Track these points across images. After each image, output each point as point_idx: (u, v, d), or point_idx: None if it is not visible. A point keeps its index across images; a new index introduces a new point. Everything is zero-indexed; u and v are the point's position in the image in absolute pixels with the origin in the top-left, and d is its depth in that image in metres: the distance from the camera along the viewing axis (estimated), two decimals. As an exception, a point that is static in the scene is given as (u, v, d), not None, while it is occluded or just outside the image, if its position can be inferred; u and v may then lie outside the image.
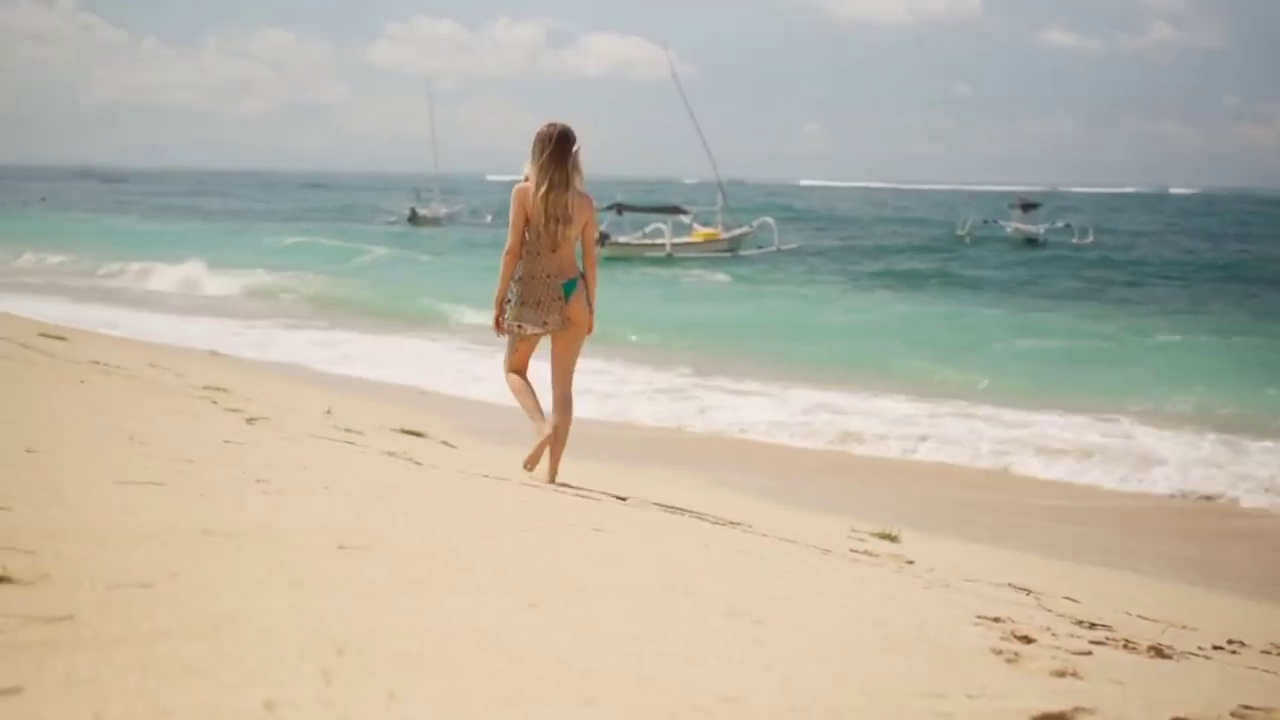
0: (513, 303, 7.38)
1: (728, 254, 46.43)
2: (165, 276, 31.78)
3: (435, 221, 66.07)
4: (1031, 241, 56.45)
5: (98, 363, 10.85)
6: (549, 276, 7.29)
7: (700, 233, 47.78)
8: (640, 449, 12.92)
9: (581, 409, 14.87)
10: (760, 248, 48.25)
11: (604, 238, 46.49)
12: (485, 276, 32.55)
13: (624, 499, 7.23)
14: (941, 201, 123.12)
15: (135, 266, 33.55)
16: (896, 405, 16.26)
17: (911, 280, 39.62)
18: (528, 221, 7.26)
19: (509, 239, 7.31)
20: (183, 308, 26.45)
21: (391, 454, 7.36)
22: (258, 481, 4.70)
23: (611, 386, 17.21)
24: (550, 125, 7.33)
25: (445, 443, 9.10)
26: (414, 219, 66.65)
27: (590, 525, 5.18)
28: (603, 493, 7.33)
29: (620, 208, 48.28)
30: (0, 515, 3.41)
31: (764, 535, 6.54)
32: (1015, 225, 59.38)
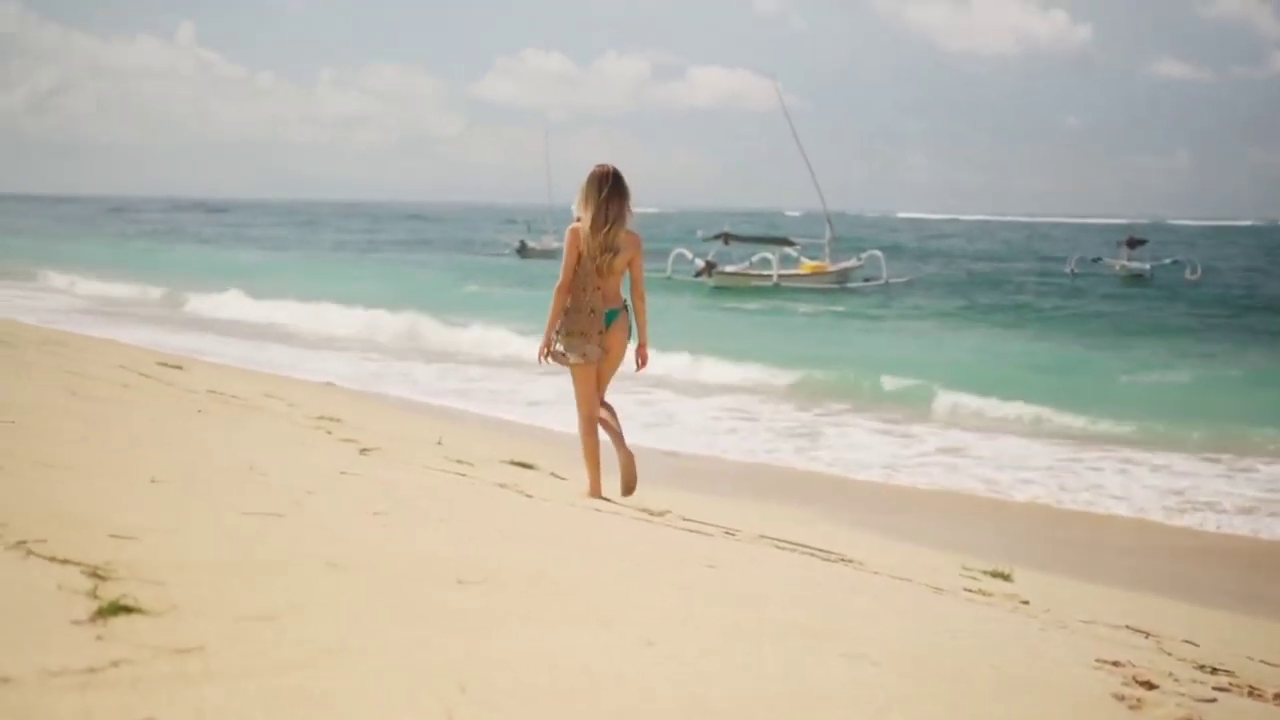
0: (560, 333, 7.91)
1: (835, 286, 46.10)
2: (273, 308, 32.00)
3: (546, 254, 66.30)
4: (1138, 278, 55.57)
5: (215, 392, 11.05)
6: (592, 311, 7.86)
7: (807, 265, 47.42)
8: (752, 482, 12.83)
9: (698, 443, 14.96)
10: (867, 280, 47.89)
11: (710, 267, 46.36)
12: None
13: (734, 533, 7.21)
14: (1048, 234, 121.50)
15: (244, 297, 33.86)
16: (1015, 444, 15.98)
17: (1025, 316, 38.96)
18: (579, 258, 7.81)
19: (561, 275, 7.86)
20: (294, 338, 26.79)
21: (503, 486, 7.41)
22: (375, 514, 4.76)
23: (733, 421, 17.11)
24: (602, 166, 7.88)
25: (555, 475, 9.13)
26: (523, 251, 67.04)
27: (703, 561, 5.18)
28: (713, 526, 7.33)
29: (727, 237, 48.10)
30: (128, 545, 3.48)
31: (876, 573, 6.48)
32: (1121, 263, 58.50)
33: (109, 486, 4.51)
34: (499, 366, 22.19)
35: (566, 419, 16.02)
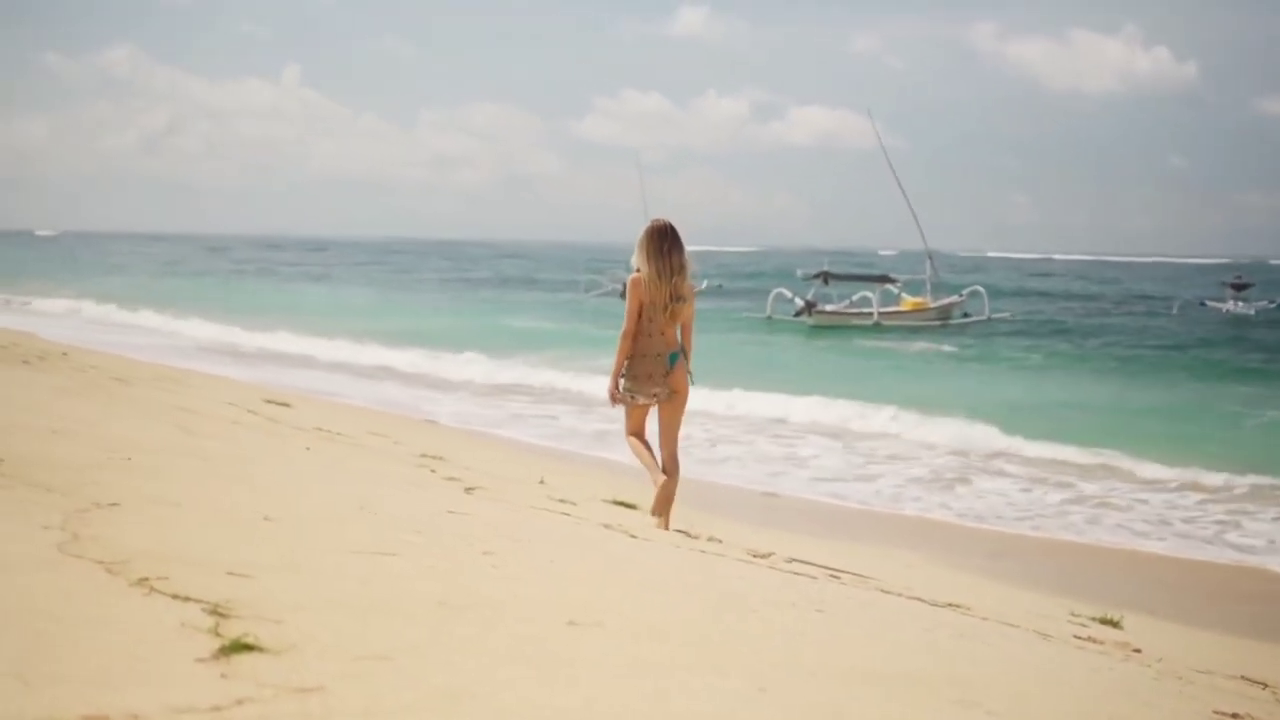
0: (626, 377, 8.42)
1: (937, 323, 45.66)
2: (371, 349, 31.97)
3: None
4: (1244, 320, 54.59)
5: (321, 429, 11.21)
6: (657, 355, 8.35)
7: (908, 302, 47.03)
8: (856, 526, 12.72)
9: (821, 487, 14.83)
10: (967, 316, 47.43)
11: (810, 306, 46.10)
12: (725, 356, 32.15)
13: (838, 576, 7.16)
14: (1148, 274, 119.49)
15: (340, 336, 34.11)
16: (1138, 490, 15.63)
17: (1135, 359, 38.01)
18: (641, 307, 8.32)
19: (625, 323, 8.39)
20: (396, 377, 27.02)
21: (607, 526, 7.43)
22: (484, 554, 4.78)
23: (861, 465, 16.87)
24: (659, 220, 8.46)
25: (657, 515, 9.13)
26: (625, 294, 66.32)
27: (812, 605, 5.14)
28: (818, 568, 7.28)
29: (827, 276, 47.70)
30: (245, 583, 3.53)
31: (984, 618, 6.40)
32: (1227, 306, 57.62)
33: (223, 524, 4.58)
34: (598, 406, 22.21)
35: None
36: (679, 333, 8.46)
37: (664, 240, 8.31)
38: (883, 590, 6.83)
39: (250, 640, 2.91)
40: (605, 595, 4.39)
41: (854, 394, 22.76)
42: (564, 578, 4.68)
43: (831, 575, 7.11)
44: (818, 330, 44.42)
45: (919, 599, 6.74)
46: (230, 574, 3.60)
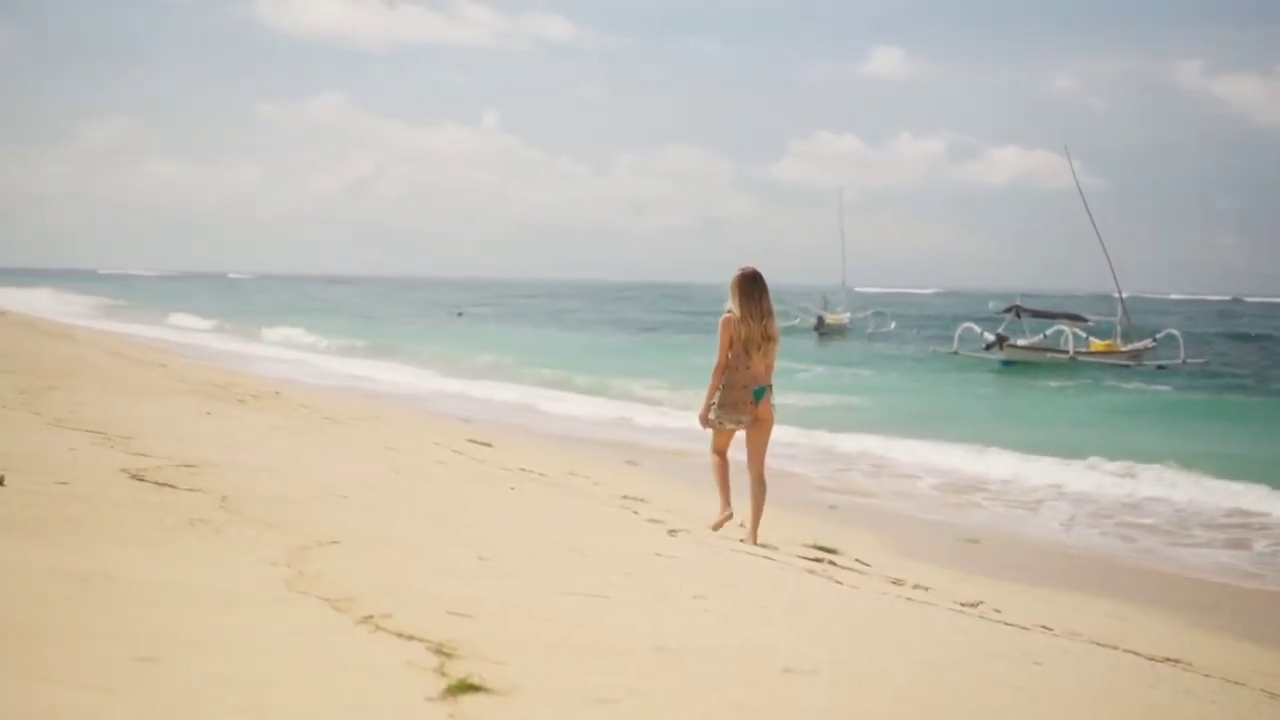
0: (717, 405, 9.11)
1: (1130, 364, 44.03)
2: (563, 390, 31.77)
3: (841, 332, 65.10)
4: None
5: (523, 469, 11.35)
6: (744, 386, 9.05)
7: (1097, 344, 45.49)
8: (1067, 573, 12.34)
9: (1024, 536, 14.40)
10: (1159, 362, 45.52)
11: (1002, 340, 44.86)
12: (920, 397, 31.34)
13: (1050, 629, 6.97)
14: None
15: (533, 376, 34.18)
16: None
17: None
18: (731, 343, 9.02)
19: (718, 357, 9.10)
20: (591, 422, 27.05)
21: (811, 571, 7.37)
22: (694, 598, 4.78)
23: (1067, 512, 16.21)
24: (748, 268, 9.12)
25: (859, 560, 9.04)
26: (820, 327, 65.32)
27: (1027, 658, 5.01)
28: (1027, 618, 7.10)
29: (1019, 310, 46.50)
30: (466, 623, 3.57)
31: (1206, 675, 6.16)
32: None
33: (439, 563, 4.66)
34: (783, 447, 22.04)
35: (861, 505, 15.84)
36: (767, 368, 9.13)
37: (754, 286, 9.08)
38: (1096, 643, 6.63)
39: (476, 681, 2.95)
40: (818, 643, 4.34)
41: (1064, 440, 21.93)
42: (775, 623, 4.64)
43: (1042, 628, 6.92)
44: (1011, 366, 43.28)
45: (1134, 652, 6.53)
46: (451, 613, 3.65)
